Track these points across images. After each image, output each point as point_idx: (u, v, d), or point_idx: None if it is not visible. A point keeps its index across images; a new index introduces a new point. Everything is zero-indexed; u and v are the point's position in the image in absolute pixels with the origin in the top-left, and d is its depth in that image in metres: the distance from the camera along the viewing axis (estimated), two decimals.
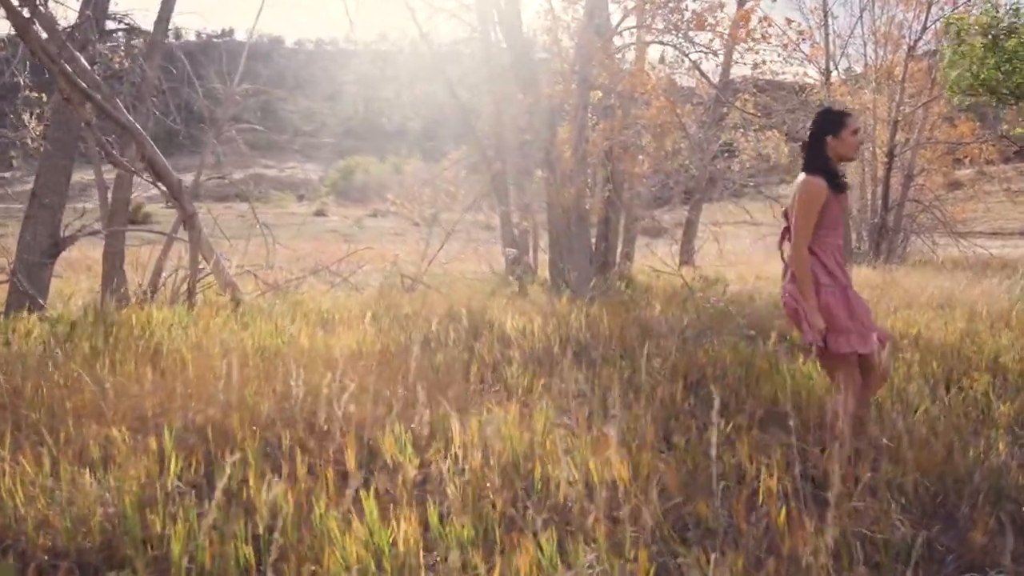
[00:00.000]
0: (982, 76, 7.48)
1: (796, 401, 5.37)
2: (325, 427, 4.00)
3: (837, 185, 4.13)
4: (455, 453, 3.75)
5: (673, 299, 10.13)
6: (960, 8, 13.36)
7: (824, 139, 4.17)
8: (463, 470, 3.61)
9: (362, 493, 3.14)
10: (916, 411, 4.72)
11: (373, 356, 5.93)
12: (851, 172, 24.02)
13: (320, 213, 58.78)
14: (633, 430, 4.33)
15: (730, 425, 4.51)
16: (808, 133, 4.29)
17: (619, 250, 14.56)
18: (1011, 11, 7.52)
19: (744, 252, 21.25)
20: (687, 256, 17.27)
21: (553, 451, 3.76)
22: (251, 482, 3.46)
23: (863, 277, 15.87)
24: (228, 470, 3.27)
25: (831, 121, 4.20)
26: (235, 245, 11.41)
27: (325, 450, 3.86)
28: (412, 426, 4.36)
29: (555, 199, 11.22)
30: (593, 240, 13.98)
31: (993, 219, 42.71)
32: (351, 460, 3.59)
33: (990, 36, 7.24)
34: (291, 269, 12.44)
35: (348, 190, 70.54)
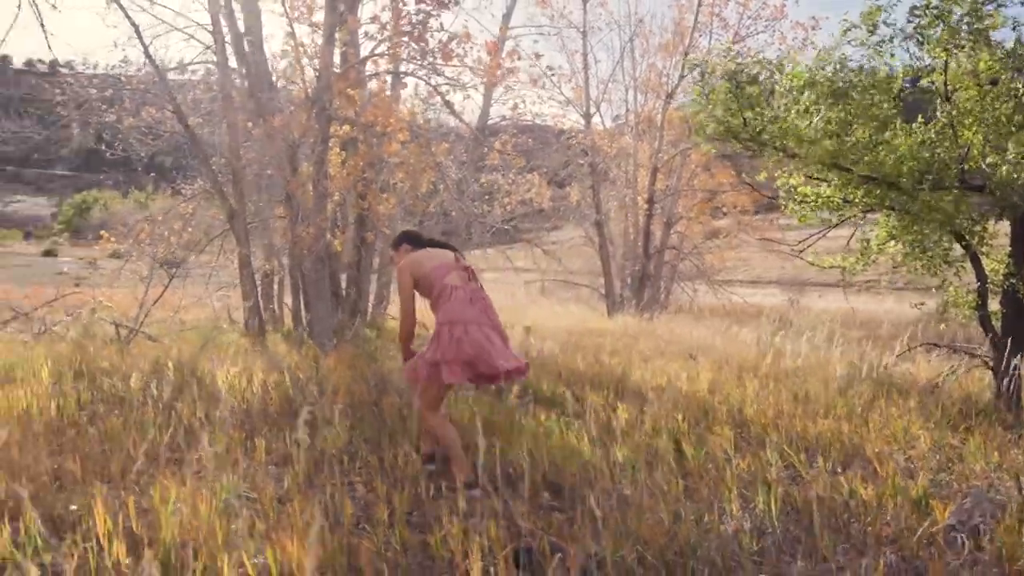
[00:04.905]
0: (726, 122, 7.68)
1: (534, 461, 5.13)
2: None
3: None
4: (95, 544, 3.15)
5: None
6: (711, 56, 14.06)
7: None
8: (101, 567, 3.03)
9: None
10: (634, 471, 4.56)
11: (40, 421, 5.19)
12: (614, 219, 24.92)
13: (50, 253, 54.65)
14: (336, 504, 3.89)
15: (455, 492, 4.19)
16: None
17: (372, 295, 14.13)
18: (756, 59, 7.80)
19: (508, 299, 21.42)
20: None
21: (222, 537, 3.24)
22: None
23: (621, 324, 16.28)
24: None
25: None
26: None
27: None
28: (73, 508, 3.74)
29: (296, 240, 10.67)
30: (345, 285, 13.48)
31: (751, 268, 45.87)
32: None
33: (733, 81, 7.45)
34: None
35: (85, 228, 66.07)
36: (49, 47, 10.71)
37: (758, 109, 7.59)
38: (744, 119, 7.57)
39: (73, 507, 3.78)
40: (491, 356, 4.75)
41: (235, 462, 4.44)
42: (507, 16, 18.72)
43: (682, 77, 23.12)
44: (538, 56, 20.18)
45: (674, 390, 7.72)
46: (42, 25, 8.47)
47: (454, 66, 10.00)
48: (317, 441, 5.22)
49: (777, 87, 7.60)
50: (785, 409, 6.97)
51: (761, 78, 7.61)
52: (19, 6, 8.26)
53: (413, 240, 5.50)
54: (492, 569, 3.13)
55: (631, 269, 24.09)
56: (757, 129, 7.60)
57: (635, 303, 22.07)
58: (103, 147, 13.79)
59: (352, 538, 3.47)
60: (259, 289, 12.71)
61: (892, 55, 7.24)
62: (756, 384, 8.03)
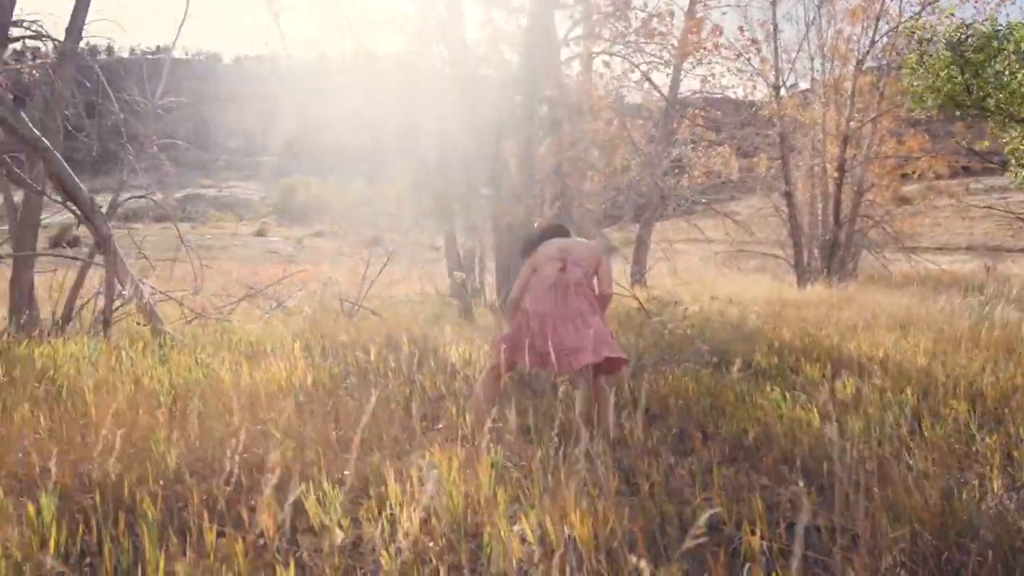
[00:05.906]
0: (946, 88, 7.23)
1: (768, 434, 5.01)
2: (231, 481, 3.50)
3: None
4: (390, 513, 3.28)
5: (627, 322, 9.75)
6: (907, 20, 13.24)
7: None
8: (398, 534, 3.15)
9: (279, 570, 2.69)
10: (880, 445, 4.36)
11: (302, 392, 5.47)
12: (801, 188, 24.04)
13: (261, 233, 57.71)
14: (592, 473, 3.91)
15: (696, 463, 4.16)
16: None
17: None
18: (985, 24, 7.29)
19: (696, 270, 21.07)
20: (638, 275, 16.95)
21: (503, 506, 3.32)
22: (147, 554, 2.97)
23: (816, 294, 15.71)
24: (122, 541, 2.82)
25: None
26: (162, 268, 10.81)
27: (241, 511, 3.38)
28: (345, 474, 3.92)
29: (500, 218, 10.82)
30: None
31: (940, 235, 43.45)
32: (270, 524, 3.13)
33: (957, 49, 6.99)
34: (224, 294, 11.87)
35: (290, 210, 69.44)
36: (283, 44, 11.23)
37: (982, 75, 7.11)
38: (968, 86, 7.11)
39: (346, 472, 3.96)
40: (559, 351, 5.02)
41: (488, 432, 4.53)
42: None
43: (873, 43, 22.01)
44: (742, 30, 19.64)
45: (895, 361, 7.38)
46: (277, 24, 8.91)
47: (657, 43, 9.87)
48: (552, 411, 5.27)
49: (1004, 50, 7.09)
50: (1019, 383, 6.53)
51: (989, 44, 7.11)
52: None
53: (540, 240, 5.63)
54: (765, 543, 3.06)
55: (820, 239, 23.21)
56: (981, 95, 7.13)
57: (826, 273, 21.26)
58: (311, 134, 14.40)
59: (620, 508, 3.48)
60: (463, 265, 12.99)
61: None
62: (981, 355, 7.55)
